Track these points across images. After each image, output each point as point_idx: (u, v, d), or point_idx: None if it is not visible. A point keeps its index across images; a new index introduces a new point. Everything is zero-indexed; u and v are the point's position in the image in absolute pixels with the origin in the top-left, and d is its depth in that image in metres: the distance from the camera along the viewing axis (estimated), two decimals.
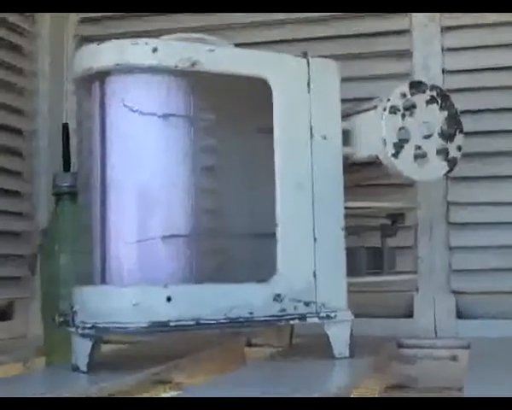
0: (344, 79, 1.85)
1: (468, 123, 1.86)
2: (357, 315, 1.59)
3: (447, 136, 1.53)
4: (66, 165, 1.73)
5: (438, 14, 2.00)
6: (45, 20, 2.17)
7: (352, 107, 1.61)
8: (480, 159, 1.91)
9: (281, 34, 2.06)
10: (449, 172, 1.54)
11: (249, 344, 1.91)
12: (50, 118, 2.12)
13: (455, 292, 1.92)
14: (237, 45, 1.57)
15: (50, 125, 2.10)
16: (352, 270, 1.57)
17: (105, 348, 1.69)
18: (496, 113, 1.93)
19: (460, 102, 1.85)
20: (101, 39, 1.39)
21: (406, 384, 1.79)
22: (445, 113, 1.54)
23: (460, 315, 1.92)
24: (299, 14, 2.04)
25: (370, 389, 1.71)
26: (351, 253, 1.61)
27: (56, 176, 1.70)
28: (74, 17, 2.23)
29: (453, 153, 1.54)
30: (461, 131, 1.55)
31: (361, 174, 1.72)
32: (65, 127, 1.75)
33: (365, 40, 2.05)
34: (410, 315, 1.95)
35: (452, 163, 1.54)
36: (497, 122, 1.92)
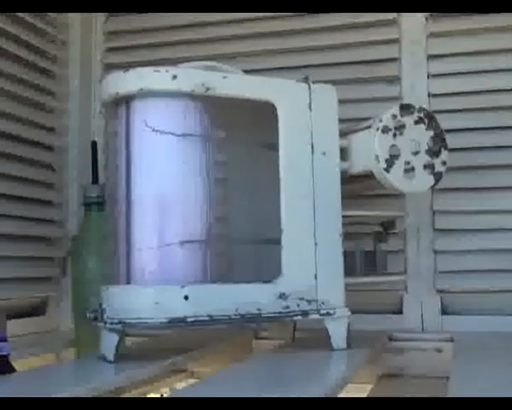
0: (342, 102, 1.88)
1: (452, 140, 1.88)
2: (353, 311, 1.60)
3: (433, 152, 1.54)
4: (95, 178, 1.74)
5: (424, 43, 2.00)
6: (76, 47, 2.19)
7: (349, 126, 1.62)
8: (462, 172, 1.92)
9: (285, 62, 2.07)
10: (435, 184, 1.55)
11: (257, 337, 1.91)
12: (79, 135, 2.13)
13: (440, 291, 1.93)
14: (246, 72, 1.57)
15: (79, 141, 2.12)
16: (348, 271, 1.58)
17: (128, 341, 1.71)
18: (477, 131, 1.94)
19: (445, 121, 1.87)
20: (123, 66, 1.41)
21: (396, 373, 1.79)
22: (431, 132, 1.55)
23: (444, 312, 1.92)
24: (302, 43, 2.06)
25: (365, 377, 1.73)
26: (348, 256, 1.62)
27: (86, 187, 1.72)
28: (102, 45, 2.24)
29: (438, 167, 1.55)
30: (445, 148, 1.56)
31: (357, 186, 1.72)
32: (94, 144, 1.77)
33: (360, 67, 2.05)
34: (399, 312, 1.95)
35: (438, 177, 1.55)
36: (478, 140, 1.93)
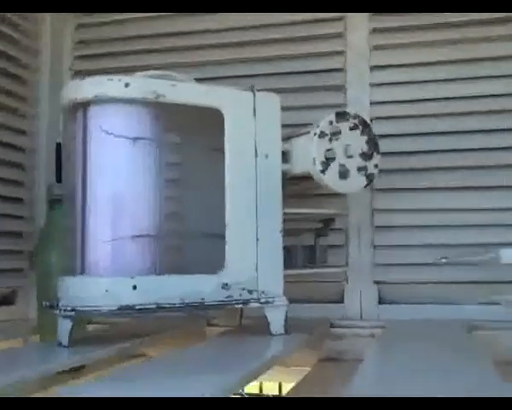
0: (292, 108, 1.92)
1: (392, 144, 1.94)
2: (298, 301, 1.64)
3: (366, 156, 1.58)
4: (58, 177, 1.75)
5: (368, 55, 2.04)
6: (46, 55, 2.20)
7: (294, 131, 1.65)
8: (399, 174, 1.96)
9: (233, 71, 2.09)
10: (367, 185, 1.58)
11: (209, 324, 1.94)
12: (48, 137, 2.14)
13: (377, 282, 1.96)
14: (198, 80, 1.59)
15: (48, 143, 2.12)
16: (290, 264, 1.61)
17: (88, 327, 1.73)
18: (412, 136, 1.97)
19: (384, 127, 1.93)
20: (91, 74, 1.43)
21: (335, 357, 1.83)
22: (365, 137, 1.59)
23: (381, 301, 1.96)
24: (251, 54, 2.09)
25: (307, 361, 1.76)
26: (290, 250, 1.66)
27: (50, 186, 1.73)
28: (71, 53, 2.26)
29: (371, 170, 1.59)
30: (378, 152, 1.60)
31: (300, 186, 1.75)
32: (58, 146, 1.78)
33: (310, 76, 2.08)
34: (341, 301, 1.98)
35: (370, 178, 1.58)
36: (413, 144, 1.97)
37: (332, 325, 1.89)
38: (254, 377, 1.18)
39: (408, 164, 1.96)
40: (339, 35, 2.07)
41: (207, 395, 0.88)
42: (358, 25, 2.06)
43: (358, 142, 1.58)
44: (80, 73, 2.16)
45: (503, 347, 1.39)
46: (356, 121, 1.58)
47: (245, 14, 2.06)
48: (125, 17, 2.19)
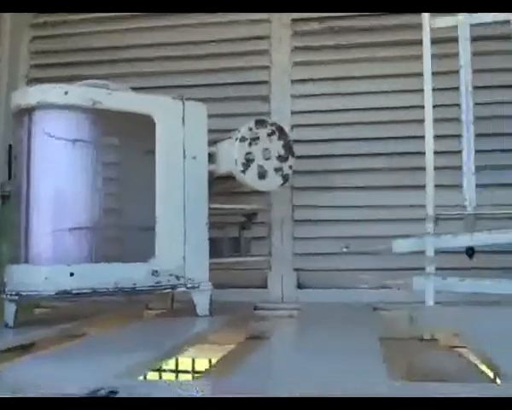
0: (222, 116, 1.94)
1: (309, 149, 1.99)
2: (226, 287, 1.66)
3: (282, 158, 1.62)
4: (9, 175, 1.75)
5: (290, 70, 2.08)
6: (4, 64, 2.18)
7: (222, 135, 1.67)
8: (317, 175, 2.00)
9: (166, 82, 2.09)
10: (283, 184, 1.62)
11: (147, 308, 1.95)
12: (4, 140, 2.11)
13: (296, 270, 2.00)
14: (134, 89, 1.60)
15: (3, 145, 2.09)
16: (217, 253, 1.64)
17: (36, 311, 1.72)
18: (329, 142, 2.01)
19: (303, 134, 1.98)
20: (45, 81, 1.43)
21: (259, 336, 1.86)
22: (282, 142, 1.62)
23: (300, 286, 2.00)
24: (184, 67, 2.11)
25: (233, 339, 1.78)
26: (216, 241, 1.69)
27: (2, 183, 1.72)
28: (27, 63, 2.24)
29: (286, 171, 1.63)
30: (292, 155, 1.64)
31: (228, 185, 1.78)
32: (10, 147, 1.77)
33: (240, 87, 2.10)
34: (265, 287, 2.01)
35: (285, 178, 1.62)
36: (330, 149, 2.01)
37: (256, 308, 1.91)
38: (178, 353, 1.20)
39: (324, 166, 2.00)
40: (264, 52, 2.10)
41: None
42: (282, 43, 2.10)
43: (275, 146, 1.61)
44: (35, 81, 2.14)
45: (397, 324, 1.43)
46: (273, 128, 1.62)
47: (180, 31, 2.08)
48: (76, 31, 2.19)
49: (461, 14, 1.51)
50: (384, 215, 1.92)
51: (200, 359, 2.11)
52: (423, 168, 1.55)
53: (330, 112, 2.02)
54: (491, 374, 0.89)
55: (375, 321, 1.42)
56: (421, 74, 1.57)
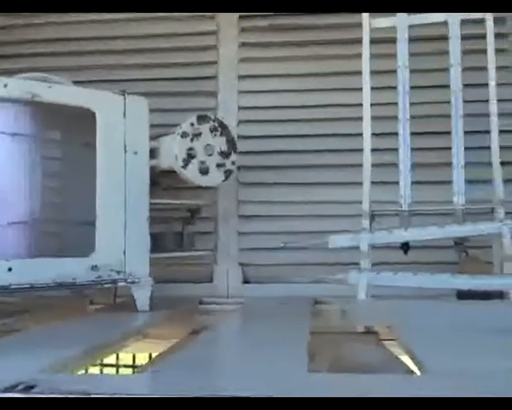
0: (168, 111, 1.94)
1: (255, 145, 2.01)
2: (172, 281, 1.67)
3: (225, 154, 1.63)
4: None
5: (236, 66, 2.09)
6: None
7: (167, 130, 1.68)
8: (263, 171, 2.02)
9: (109, 76, 2.07)
10: (225, 179, 1.64)
11: (91, 303, 1.94)
12: None
13: (242, 264, 2.02)
14: (76, 83, 1.59)
15: None
16: (160, 248, 1.64)
17: None
18: (276, 138, 2.03)
19: (250, 129, 2.00)
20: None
21: (204, 329, 1.87)
22: (224, 138, 1.64)
23: (245, 281, 2.02)
24: (127, 59, 2.10)
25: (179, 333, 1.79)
26: (160, 236, 1.70)
27: None
28: None
29: (229, 166, 1.64)
30: (235, 152, 1.65)
31: (173, 180, 1.78)
32: None
33: (185, 83, 2.10)
34: (210, 281, 2.03)
35: (228, 174, 1.64)
36: (276, 145, 2.03)
37: (201, 302, 1.92)
38: (112, 346, 1.21)
39: (268, 162, 2.02)
40: (212, 47, 2.11)
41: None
42: (229, 39, 2.11)
43: (218, 142, 1.63)
44: None
45: (331, 318, 1.46)
46: (216, 124, 1.63)
47: (125, 25, 2.07)
48: (15, 23, 2.15)
49: (399, 14, 1.55)
50: (329, 211, 1.96)
51: (141, 353, 2.11)
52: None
53: (276, 108, 2.05)
54: (413, 367, 0.93)
55: (312, 315, 1.45)
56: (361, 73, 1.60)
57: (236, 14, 2.11)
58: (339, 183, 1.93)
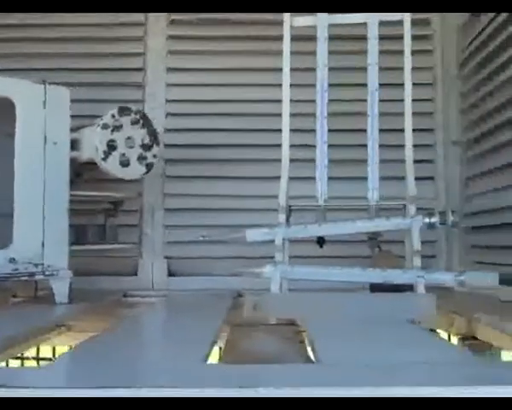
0: (95, 101, 1.93)
1: (181, 138, 2.02)
2: (96, 274, 1.67)
3: (146, 147, 1.64)
4: None
5: (165, 58, 2.10)
6: None
7: (91, 122, 1.66)
8: (189, 164, 2.04)
9: (31, 64, 2.02)
10: (147, 172, 1.65)
11: (13, 296, 1.91)
12: None
13: (167, 258, 2.04)
14: None
15: None
16: (82, 240, 1.64)
17: None
18: (202, 132, 2.05)
19: (177, 123, 2.01)
20: None
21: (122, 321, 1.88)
22: (145, 130, 1.64)
23: (170, 274, 2.03)
24: (48, 48, 2.07)
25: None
26: (81, 228, 1.69)
27: None
28: None
29: (151, 159, 1.65)
30: (157, 144, 1.66)
31: (96, 172, 1.77)
32: None
33: (112, 73, 2.09)
34: (135, 274, 2.03)
35: (149, 167, 1.64)
36: (202, 138, 2.05)
37: (125, 295, 1.92)
38: (23, 341, 1.20)
39: (195, 155, 2.04)
40: (139, 38, 2.11)
41: None
42: (157, 31, 2.12)
43: (139, 134, 1.63)
44: None
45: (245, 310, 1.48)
46: (137, 116, 1.64)
47: (52, 13, 2.04)
48: None
49: (320, 14, 1.58)
50: (252, 205, 1.99)
51: (60, 346, 2.09)
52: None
53: (203, 102, 2.07)
54: (311, 357, 0.97)
55: (229, 307, 1.47)
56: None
57: None
58: (261, 177, 1.96)
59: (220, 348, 1.12)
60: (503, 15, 1.73)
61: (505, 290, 1.52)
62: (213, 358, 0.89)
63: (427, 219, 1.40)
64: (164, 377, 0.75)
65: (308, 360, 0.97)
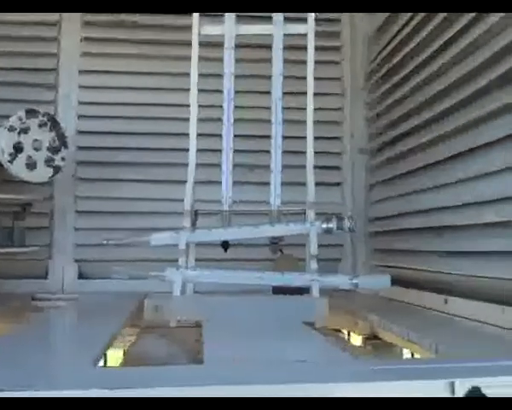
0: (6, 101, 1.91)
1: (94, 140, 2.03)
2: (3, 277, 1.65)
3: (54, 150, 1.65)
4: None
5: (78, 60, 2.10)
6: None
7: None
8: (99, 166, 2.06)
9: None
10: (53, 176, 1.66)
11: None
12: None
13: (77, 260, 2.04)
14: None
15: None
16: None
17: None
18: (114, 135, 2.07)
19: (89, 125, 2.01)
20: None
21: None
22: (53, 133, 1.65)
23: (81, 277, 2.04)
24: None
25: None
26: None
27: None
28: None
29: (58, 162, 1.66)
30: (65, 147, 1.67)
31: (1, 174, 1.76)
32: None
33: (24, 73, 2.07)
34: (45, 277, 2.03)
35: (56, 169, 1.66)
36: (113, 141, 2.07)
37: (34, 298, 1.91)
38: None
39: (106, 158, 2.06)
40: (53, 39, 2.11)
41: None
42: (71, 32, 2.12)
43: (47, 137, 1.64)
44: None
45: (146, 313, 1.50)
46: (45, 119, 1.64)
47: None
48: None
49: (228, 23, 1.63)
50: (161, 208, 2.02)
51: None
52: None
53: (115, 105, 2.08)
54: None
55: (133, 310, 1.50)
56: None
57: None
58: (171, 181, 1.98)
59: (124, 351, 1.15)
60: (407, 30, 1.83)
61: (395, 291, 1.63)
62: (110, 360, 0.92)
63: (324, 225, 1.47)
64: (47, 380, 0.78)
65: (196, 360, 1.01)
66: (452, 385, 0.79)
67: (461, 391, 0.79)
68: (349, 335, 1.76)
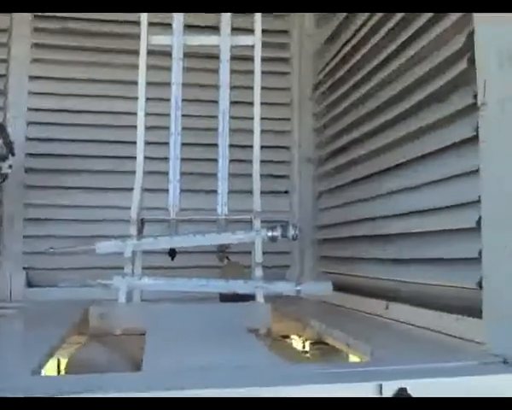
0: None
1: (44, 148, 2.04)
2: None
3: (1, 158, 1.64)
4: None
5: (27, 66, 2.10)
6: None
7: None
8: (50, 173, 2.06)
9: None
10: (0, 183, 1.65)
11: None
12: None
13: (26, 268, 2.04)
14: None
15: None
16: None
17: None
18: (62, 142, 2.08)
19: (39, 132, 2.01)
20: None
21: None
22: (0, 141, 1.64)
23: (29, 285, 2.04)
24: None
25: None
26: None
27: None
28: None
29: (5, 170, 1.65)
30: (13, 155, 1.67)
31: None
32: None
33: None
34: None
35: (3, 177, 1.65)
36: (64, 149, 2.07)
37: None
38: None
39: (55, 165, 2.06)
40: (3, 45, 2.10)
41: None
42: (21, 38, 2.11)
43: None
44: None
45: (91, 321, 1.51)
46: None
47: None
48: None
49: (176, 34, 1.66)
50: (110, 215, 2.03)
51: None
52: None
53: (64, 112, 2.09)
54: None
55: (78, 318, 1.50)
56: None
57: (31, 13, 2.11)
58: (120, 188, 1.99)
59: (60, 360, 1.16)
60: (353, 42, 1.88)
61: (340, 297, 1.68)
62: (51, 369, 0.93)
63: (270, 233, 1.50)
64: None
65: (134, 368, 1.03)
66: (380, 387, 0.83)
67: (388, 392, 0.83)
68: (296, 340, 1.80)
